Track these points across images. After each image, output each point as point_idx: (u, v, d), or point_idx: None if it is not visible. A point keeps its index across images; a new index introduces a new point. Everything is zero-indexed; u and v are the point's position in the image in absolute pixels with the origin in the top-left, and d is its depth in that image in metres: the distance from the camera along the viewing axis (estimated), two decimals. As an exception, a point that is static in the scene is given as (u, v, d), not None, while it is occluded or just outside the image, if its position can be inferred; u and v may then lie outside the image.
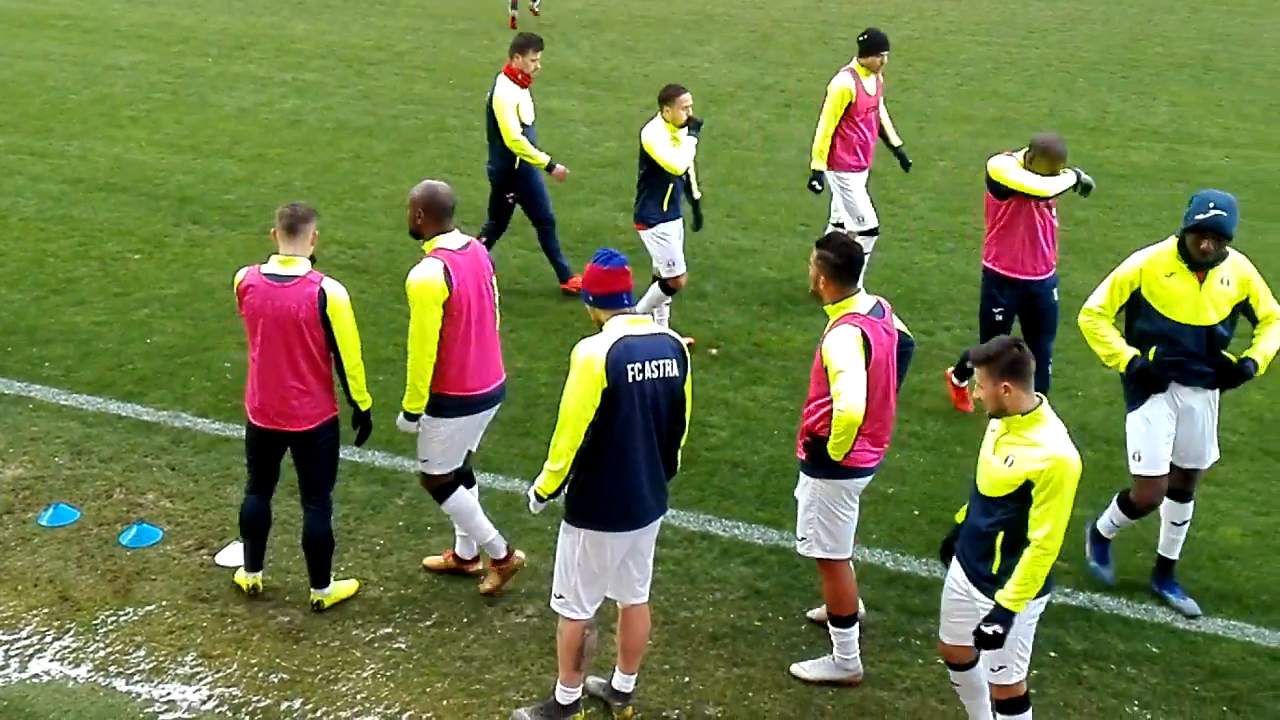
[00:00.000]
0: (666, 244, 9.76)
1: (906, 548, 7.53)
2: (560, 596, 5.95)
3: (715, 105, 17.19)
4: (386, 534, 7.60)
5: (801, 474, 6.31)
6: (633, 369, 5.63)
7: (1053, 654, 6.59)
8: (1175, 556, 7.12)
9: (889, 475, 7.88)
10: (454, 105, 17.02)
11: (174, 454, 8.39)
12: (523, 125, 10.54)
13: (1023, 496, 5.29)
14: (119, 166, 14.13)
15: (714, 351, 10.04)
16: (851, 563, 6.42)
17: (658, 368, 5.71)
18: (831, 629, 6.40)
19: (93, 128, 15.63)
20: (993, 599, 5.38)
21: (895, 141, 11.15)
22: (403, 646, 6.67)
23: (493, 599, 6.98)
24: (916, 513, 7.91)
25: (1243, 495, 8.18)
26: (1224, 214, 6.49)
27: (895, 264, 11.71)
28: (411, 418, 6.68)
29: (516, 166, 10.70)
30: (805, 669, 6.49)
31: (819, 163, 10.62)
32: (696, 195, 10.19)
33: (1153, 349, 6.75)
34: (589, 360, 5.62)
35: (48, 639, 6.68)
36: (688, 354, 5.90)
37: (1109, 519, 7.17)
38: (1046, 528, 5.24)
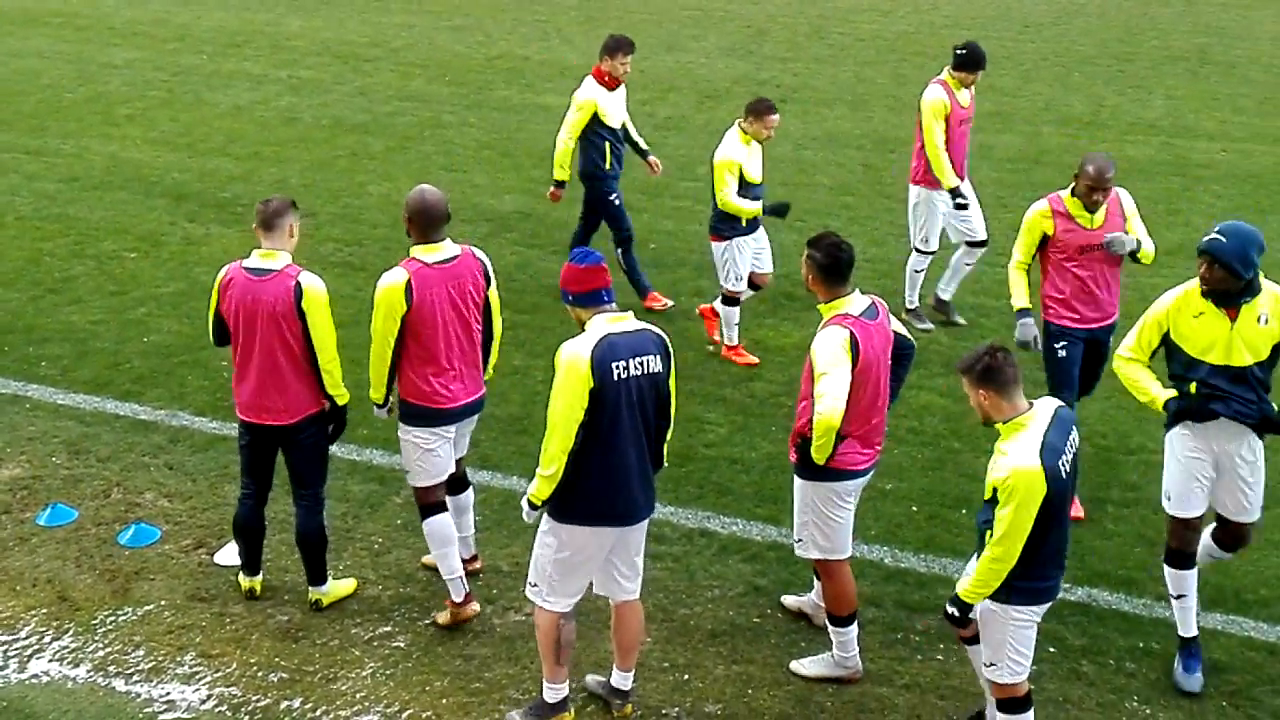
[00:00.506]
0: (737, 259, 9.53)
1: (904, 543, 7.54)
2: (535, 585, 5.94)
3: (711, 101, 17.18)
4: (385, 532, 7.59)
5: (796, 478, 6.31)
6: (617, 367, 5.61)
7: (1052, 649, 6.59)
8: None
9: (887, 471, 7.88)
10: (450, 102, 17.01)
11: (172, 453, 8.39)
12: (608, 128, 10.32)
13: (996, 500, 5.35)
14: (115, 165, 14.12)
15: (711, 348, 10.04)
16: (848, 562, 6.42)
17: (642, 364, 5.69)
18: (830, 628, 6.40)
19: (88, 126, 15.62)
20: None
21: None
22: (402, 645, 6.67)
23: (492, 598, 6.98)
24: (914, 509, 7.91)
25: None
26: (1222, 239, 6.03)
27: (892, 259, 11.69)
28: (379, 405, 6.71)
29: (608, 167, 10.42)
30: (804, 666, 6.49)
31: (948, 180, 10.03)
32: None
33: (1193, 383, 6.26)
34: (574, 361, 5.60)
35: (46, 639, 6.68)
36: (670, 349, 5.87)
37: (1169, 586, 6.55)
38: (1000, 531, 5.30)
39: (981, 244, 10.40)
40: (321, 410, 6.68)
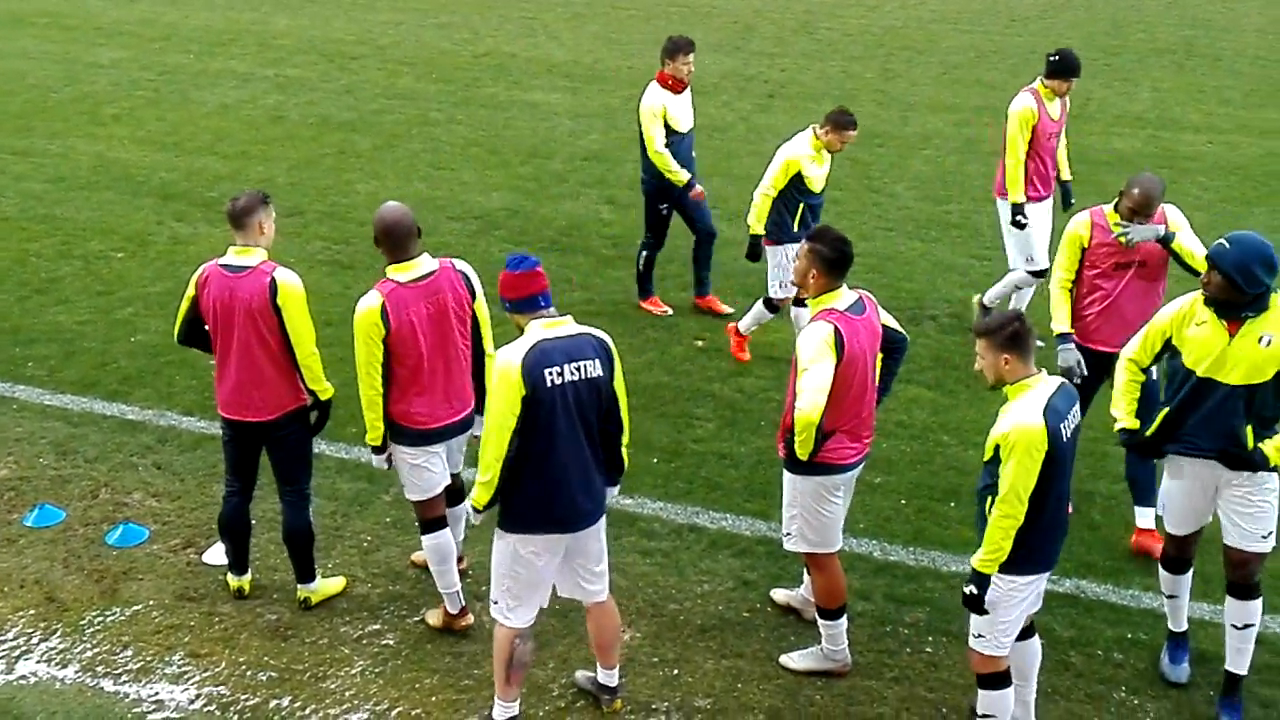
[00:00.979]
0: (785, 265, 9.04)
1: (894, 537, 7.55)
2: (495, 601, 5.88)
3: (699, 97, 17.04)
4: (374, 530, 7.59)
5: (785, 472, 6.32)
6: (551, 373, 5.51)
7: (1040, 640, 6.59)
8: (1238, 670, 6.16)
9: (875, 465, 7.88)
10: (437, 99, 16.99)
11: (159, 453, 8.37)
12: (677, 134, 9.99)
13: (998, 460, 5.41)
14: (101, 165, 14.08)
15: (700, 343, 10.04)
16: (838, 556, 6.43)
17: (578, 369, 5.58)
18: (820, 621, 6.41)
19: (74, 126, 15.57)
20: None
21: (1065, 175, 9.96)
22: (391, 643, 6.66)
23: (481, 594, 6.97)
24: (903, 501, 7.92)
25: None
26: (1225, 245, 5.77)
27: (880, 253, 11.72)
28: (377, 450, 6.52)
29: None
30: (794, 660, 6.50)
31: (1017, 194, 9.48)
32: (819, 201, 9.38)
33: (1163, 410, 6.10)
34: (505, 368, 5.50)
35: (34, 640, 6.66)
36: (614, 353, 5.76)
37: (1162, 586, 6.46)
38: (1004, 488, 5.35)
39: (1041, 274, 9.63)
40: (303, 406, 6.66)
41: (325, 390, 6.65)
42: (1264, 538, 6.01)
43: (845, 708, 6.25)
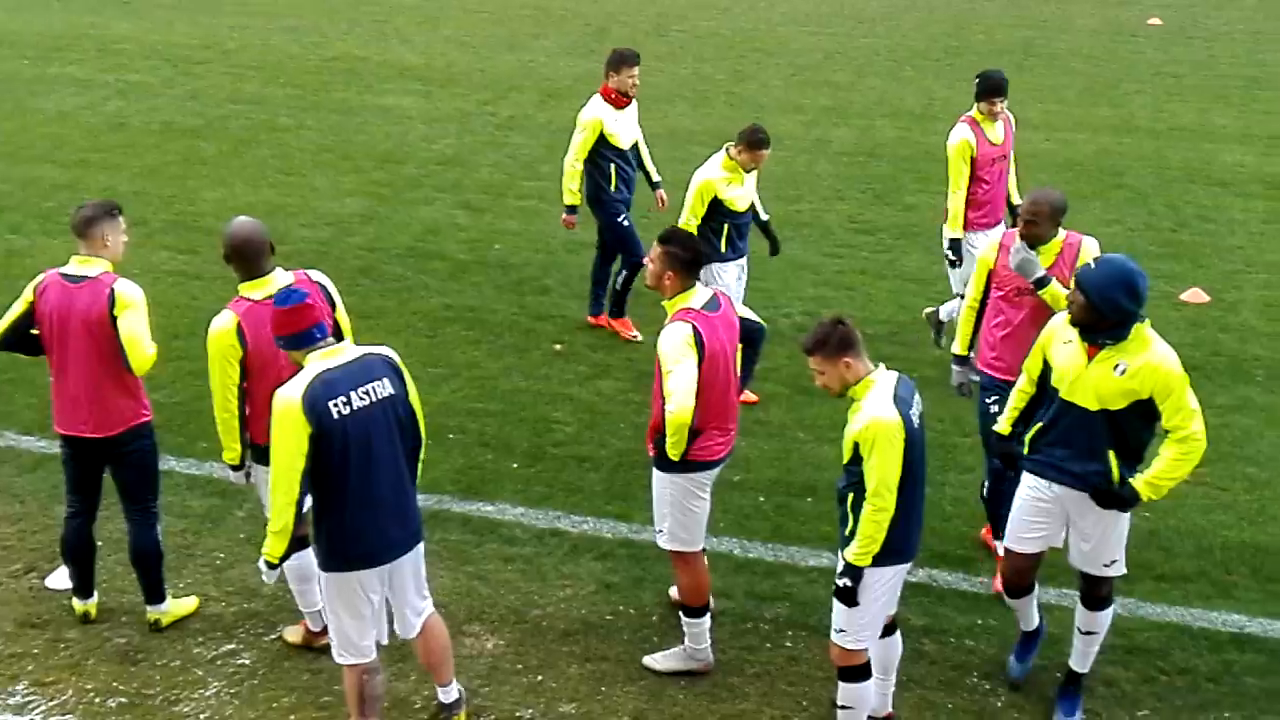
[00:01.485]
0: (719, 284, 8.65)
1: (753, 534, 7.64)
2: (333, 640, 5.75)
3: (553, 99, 17.16)
4: (227, 547, 7.42)
5: (654, 470, 6.34)
6: (336, 405, 5.32)
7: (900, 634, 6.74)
8: (1080, 668, 6.24)
9: (734, 463, 7.94)
10: (286, 104, 16.66)
11: (-2, 475, 8.06)
12: (617, 149, 9.81)
13: (857, 459, 5.49)
14: (-70, 175, 13.50)
15: (558, 347, 10.04)
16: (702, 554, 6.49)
17: (368, 393, 5.43)
18: (684, 619, 6.46)
19: (-100, 135, 14.90)
20: None
21: (1015, 199, 9.51)
22: (247, 662, 6.52)
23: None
24: (762, 499, 8.03)
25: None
26: (1090, 267, 5.71)
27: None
28: (235, 468, 6.33)
29: (613, 190, 9.91)
30: (657, 660, 6.54)
31: (953, 230, 9.19)
32: (764, 217, 9.33)
33: (1037, 424, 6.02)
34: (285, 408, 5.28)
35: None
36: (402, 368, 5.65)
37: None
38: (873, 483, 5.44)
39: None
40: (146, 421, 6.48)
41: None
42: (1105, 566, 6.02)
43: (709, 705, 6.31)
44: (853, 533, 5.57)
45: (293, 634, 6.64)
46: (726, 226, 8.85)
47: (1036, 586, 6.36)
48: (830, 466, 7.64)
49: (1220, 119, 16.82)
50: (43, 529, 7.49)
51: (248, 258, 6.13)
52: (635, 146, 10.06)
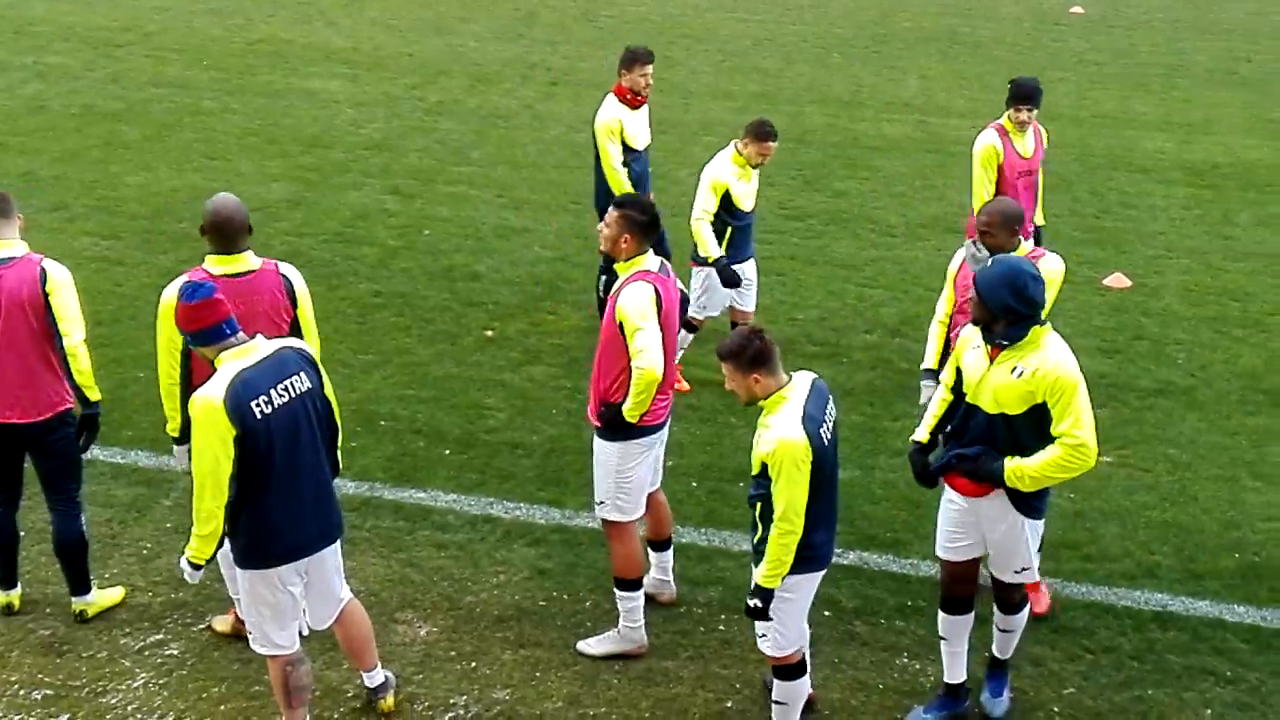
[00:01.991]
0: (716, 287, 8.78)
1: (686, 519, 7.67)
2: (253, 634, 5.68)
3: (483, 84, 17.07)
4: (154, 537, 7.31)
5: (597, 440, 6.34)
6: (258, 404, 5.23)
7: (827, 613, 6.82)
8: (1003, 655, 6.26)
9: (667, 449, 7.98)
10: (209, 87, 16.40)
11: (-85, 466, 7.86)
12: (634, 151, 9.24)
13: (765, 475, 5.45)
14: None
15: (489, 333, 10.00)
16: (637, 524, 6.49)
17: (287, 389, 5.34)
18: (618, 594, 6.47)
19: None
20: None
21: (1039, 219, 9.18)
22: (175, 652, 6.44)
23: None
24: (694, 484, 8.06)
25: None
26: (987, 266, 5.73)
27: (666, 238, 11.84)
28: (177, 441, 6.19)
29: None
30: (591, 645, 6.55)
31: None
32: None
33: (946, 429, 5.99)
34: (206, 411, 5.17)
35: None
36: (316, 360, 5.61)
37: (938, 627, 6.25)
38: (780, 507, 5.39)
39: None
40: (70, 409, 6.36)
41: (92, 390, 6.28)
42: (1016, 572, 5.98)
43: (643, 689, 6.33)
44: (762, 541, 5.52)
45: (221, 623, 6.56)
46: (730, 229, 8.71)
47: (975, 612, 6.15)
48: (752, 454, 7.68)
49: (1141, 106, 17.14)
50: (-38, 520, 7.32)
51: (226, 235, 6.01)
52: (648, 149, 9.56)
